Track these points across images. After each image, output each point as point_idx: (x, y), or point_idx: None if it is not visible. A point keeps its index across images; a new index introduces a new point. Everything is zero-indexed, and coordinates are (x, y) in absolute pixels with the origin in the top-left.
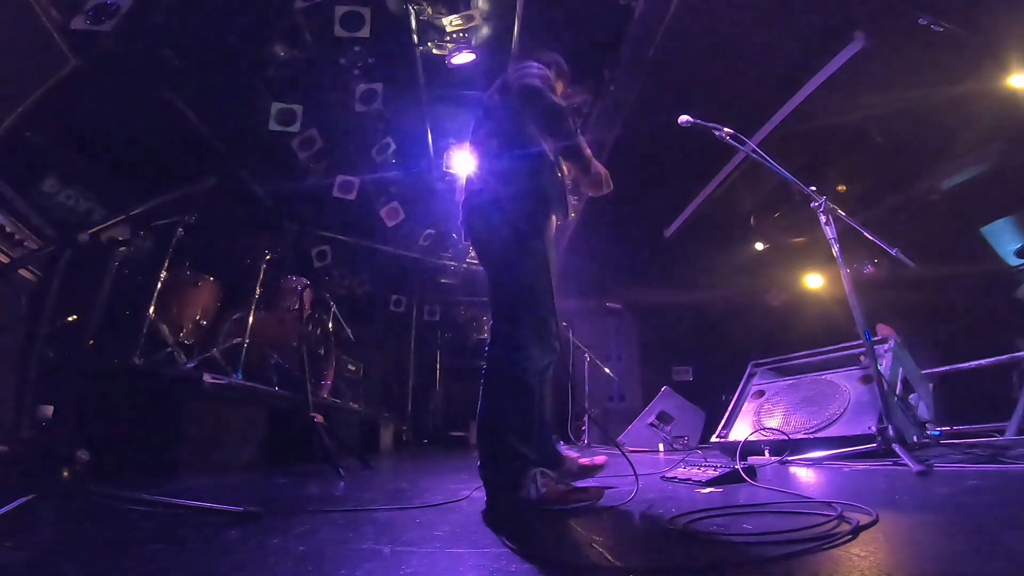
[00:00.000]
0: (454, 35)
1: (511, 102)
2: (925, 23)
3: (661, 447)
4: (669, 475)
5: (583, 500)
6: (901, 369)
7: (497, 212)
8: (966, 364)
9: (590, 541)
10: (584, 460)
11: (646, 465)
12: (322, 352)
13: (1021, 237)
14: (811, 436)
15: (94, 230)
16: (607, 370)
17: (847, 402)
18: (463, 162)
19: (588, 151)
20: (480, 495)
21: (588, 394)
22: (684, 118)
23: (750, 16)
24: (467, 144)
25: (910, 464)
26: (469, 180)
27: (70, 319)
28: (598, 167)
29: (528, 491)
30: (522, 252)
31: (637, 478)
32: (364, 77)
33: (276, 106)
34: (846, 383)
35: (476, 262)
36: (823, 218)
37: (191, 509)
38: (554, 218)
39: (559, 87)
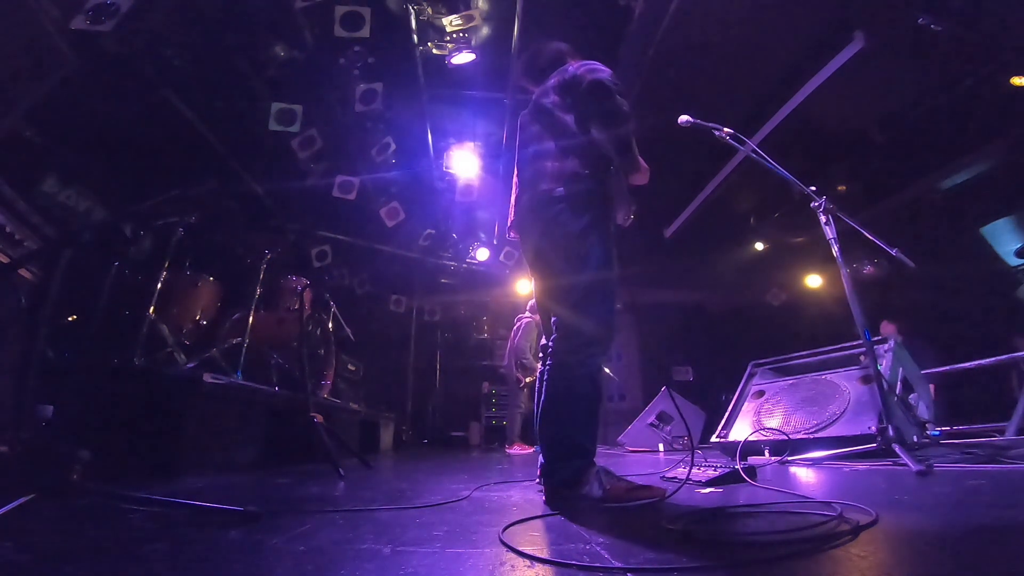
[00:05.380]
0: (454, 35)
1: (574, 101)
2: (925, 23)
3: (661, 447)
4: (669, 475)
5: (645, 498)
6: (901, 369)
7: (562, 212)
8: (966, 364)
9: (590, 541)
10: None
11: (646, 465)
12: (322, 352)
13: (1021, 237)
14: (811, 436)
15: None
16: (607, 370)
17: (847, 402)
18: (463, 161)
19: (636, 150)
20: (480, 495)
21: None
22: (684, 118)
23: (750, 16)
24: (520, 138)
25: (910, 464)
26: (535, 181)
27: (70, 319)
28: (643, 163)
29: (591, 488)
30: (590, 250)
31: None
32: (364, 77)
33: (276, 106)
34: (846, 383)
35: (476, 262)
36: (823, 218)
37: (191, 509)
38: (616, 218)
39: None
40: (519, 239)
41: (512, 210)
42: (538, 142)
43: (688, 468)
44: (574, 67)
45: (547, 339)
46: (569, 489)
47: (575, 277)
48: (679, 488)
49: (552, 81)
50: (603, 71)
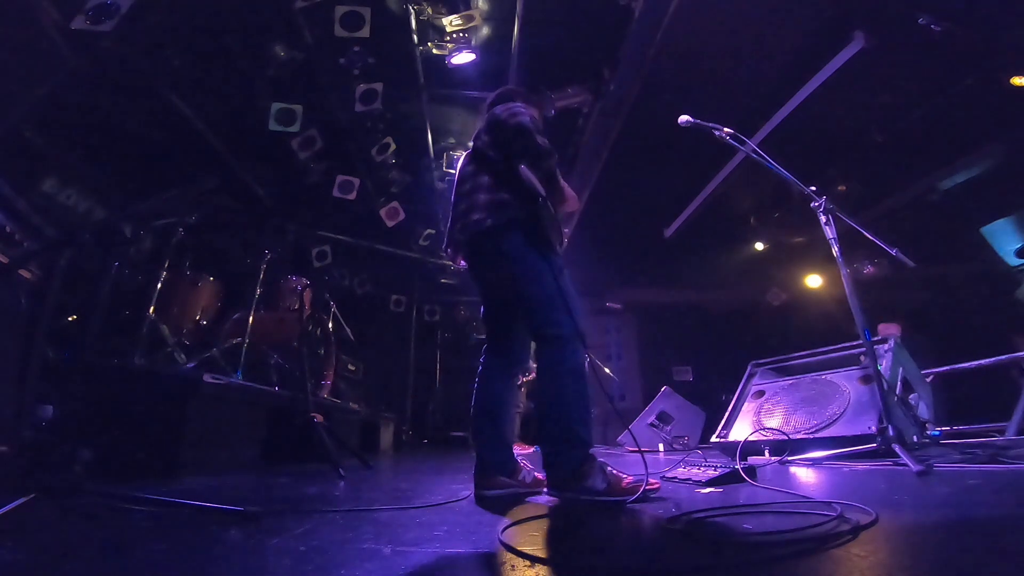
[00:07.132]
0: (454, 35)
1: (500, 140)
2: (925, 23)
3: (661, 447)
4: (669, 475)
5: (647, 490)
6: (901, 369)
7: (498, 241)
8: (966, 364)
9: (590, 540)
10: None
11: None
12: (322, 352)
13: (1021, 237)
14: (811, 436)
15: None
16: (607, 370)
17: (847, 402)
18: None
19: (561, 181)
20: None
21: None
22: (684, 118)
23: (750, 16)
24: (459, 177)
25: (910, 464)
26: (467, 213)
27: (70, 319)
28: (569, 192)
29: (595, 481)
30: (544, 262)
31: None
32: (364, 77)
33: (276, 106)
34: (846, 383)
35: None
36: (823, 218)
37: (191, 509)
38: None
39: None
40: (468, 268)
41: (447, 238)
42: (473, 179)
43: (645, 469)
44: (499, 110)
45: (489, 345)
46: (574, 482)
47: (537, 290)
48: (643, 491)
49: (482, 123)
50: (525, 114)
